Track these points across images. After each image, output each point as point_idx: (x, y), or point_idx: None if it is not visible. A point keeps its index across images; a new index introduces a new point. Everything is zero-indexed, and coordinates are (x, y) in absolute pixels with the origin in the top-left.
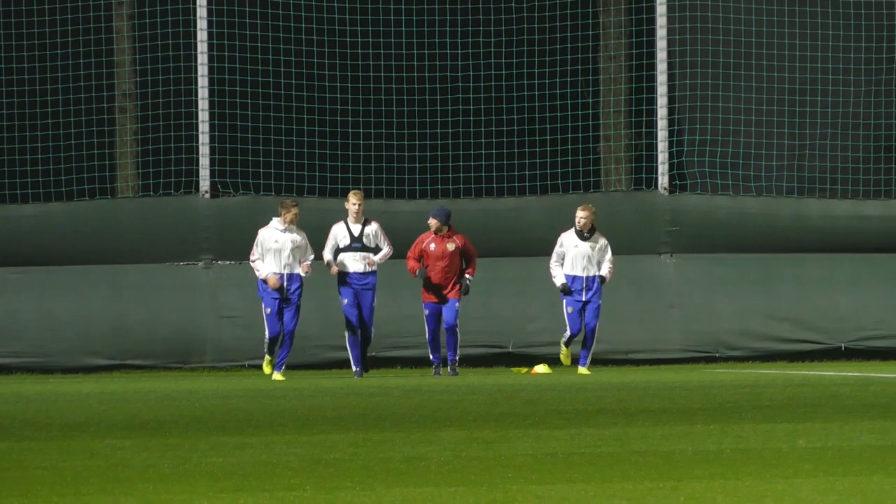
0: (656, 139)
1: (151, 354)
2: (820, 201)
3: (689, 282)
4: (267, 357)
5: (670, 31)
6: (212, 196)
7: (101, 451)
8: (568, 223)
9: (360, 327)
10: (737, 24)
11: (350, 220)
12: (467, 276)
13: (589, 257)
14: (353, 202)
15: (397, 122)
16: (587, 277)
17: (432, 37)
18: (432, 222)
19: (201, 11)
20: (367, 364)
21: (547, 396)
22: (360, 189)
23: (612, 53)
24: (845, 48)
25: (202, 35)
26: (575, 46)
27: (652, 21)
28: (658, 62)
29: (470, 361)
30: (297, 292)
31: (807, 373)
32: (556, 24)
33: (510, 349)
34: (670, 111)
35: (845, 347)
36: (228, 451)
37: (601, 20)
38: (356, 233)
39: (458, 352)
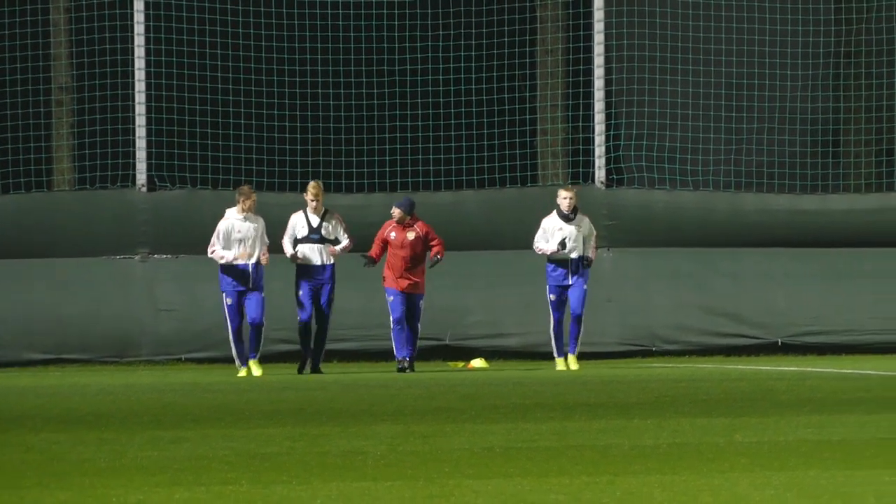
0: (593, 133)
1: (88, 348)
2: (757, 196)
3: (625, 276)
4: (239, 365)
5: (607, 26)
6: (148, 189)
7: (37, 446)
8: (504, 217)
9: (318, 319)
10: (674, 19)
11: (309, 210)
12: (438, 255)
13: (574, 239)
14: (311, 193)
15: (334, 115)
16: (572, 260)
17: (369, 30)
18: (395, 212)
19: (138, 4)
20: (318, 357)
21: (484, 391)
22: (318, 180)
23: (550, 47)
24: (782, 43)
25: (139, 28)
26: (512, 40)
27: (589, 15)
28: (595, 56)
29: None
30: (260, 288)
31: (743, 367)
32: (494, 18)
33: (447, 342)
34: (607, 105)
35: (782, 342)
36: (164, 445)
37: (538, 14)
38: (315, 224)
39: (416, 349)
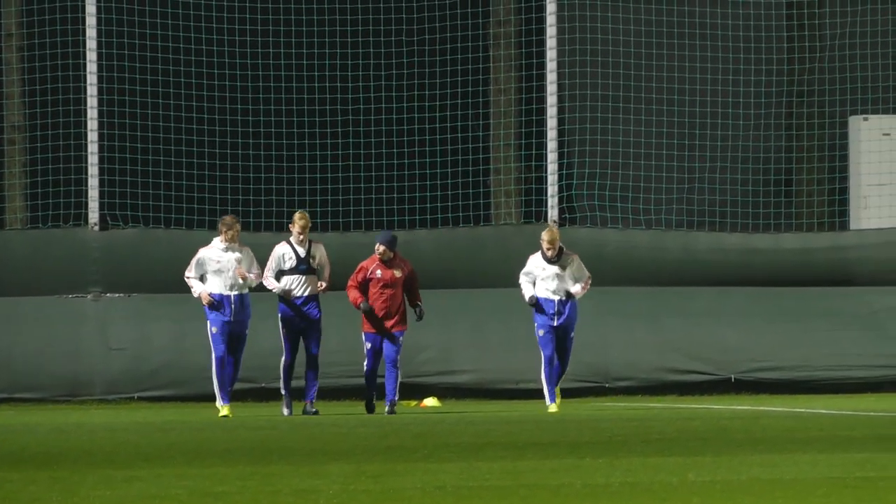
0: (546, 172)
1: (40, 387)
2: (709, 235)
3: (579, 313)
4: (221, 403)
5: (560, 65)
6: (101, 228)
7: None
8: (457, 256)
9: (307, 357)
10: (627, 58)
11: (294, 241)
12: (420, 306)
13: (560, 277)
14: (299, 224)
15: (287, 154)
16: (559, 301)
17: (322, 70)
18: (379, 248)
19: (91, 44)
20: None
21: (436, 430)
22: (305, 210)
23: (503, 87)
24: (735, 82)
25: (92, 67)
26: (465, 79)
27: (542, 54)
28: (548, 95)
29: (361, 392)
30: (245, 321)
31: (696, 406)
32: (447, 58)
33: (399, 380)
34: (560, 144)
35: (735, 379)
36: (117, 485)
37: (491, 53)
38: (302, 254)
39: (398, 390)
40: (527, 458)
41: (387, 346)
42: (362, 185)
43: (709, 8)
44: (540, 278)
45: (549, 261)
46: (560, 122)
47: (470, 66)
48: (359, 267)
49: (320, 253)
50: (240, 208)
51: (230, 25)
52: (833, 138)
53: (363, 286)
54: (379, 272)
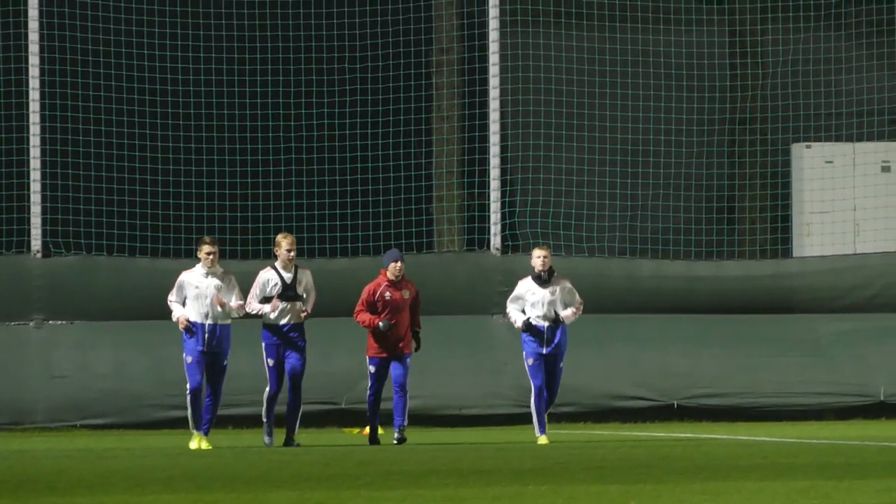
0: (489, 200)
1: None
2: (652, 262)
3: (520, 341)
4: (194, 432)
5: (503, 93)
6: (43, 255)
7: None
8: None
9: (292, 387)
10: (570, 86)
11: (280, 265)
12: (418, 329)
13: (550, 303)
14: (284, 247)
15: (230, 181)
16: (548, 328)
17: (265, 97)
18: (396, 266)
19: (33, 70)
20: (294, 427)
21: (379, 457)
22: (290, 233)
23: (445, 114)
24: (677, 109)
25: (34, 94)
26: (408, 107)
27: (485, 82)
28: (490, 123)
29: (302, 419)
30: (221, 352)
31: (639, 434)
32: (390, 85)
33: (343, 406)
34: (503, 172)
35: (678, 405)
36: None
37: (434, 81)
38: (288, 280)
39: (407, 415)
40: (469, 486)
41: (395, 369)
42: (304, 213)
43: (652, 36)
44: (529, 304)
45: (542, 282)
46: (503, 149)
47: (413, 94)
48: (364, 290)
49: (307, 279)
50: (182, 235)
51: (173, 53)
52: (776, 166)
53: (370, 309)
54: (388, 294)
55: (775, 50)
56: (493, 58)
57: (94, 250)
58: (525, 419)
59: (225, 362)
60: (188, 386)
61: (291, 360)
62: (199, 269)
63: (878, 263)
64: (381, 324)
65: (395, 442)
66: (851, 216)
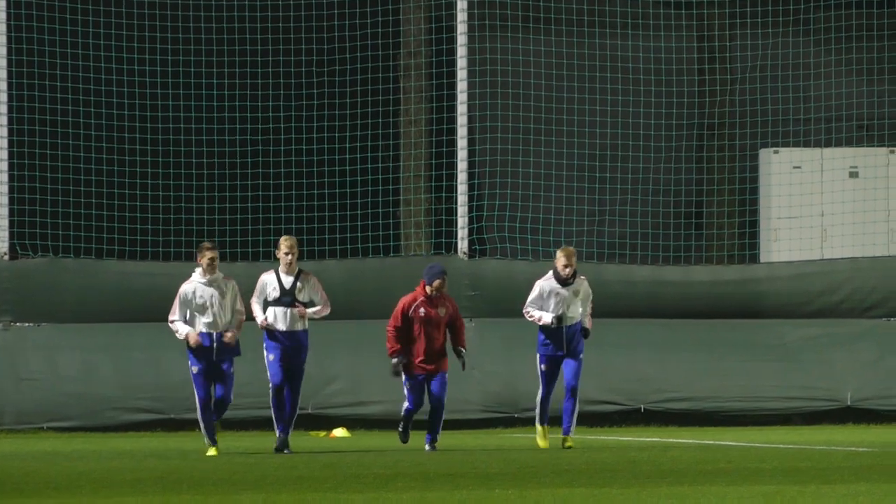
0: (456, 204)
1: None
2: (619, 267)
3: (488, 345)
4: (208, 443)
5: (471, 97)
6: (10, 258)
7: None
8: (365, 287)
9: (291, 390)
10: (538, 90)
11: (281, 270)
12: (462, 349)
13: (569, 305)
14: (283, 250)
15: (196, 184)
16: (566, 328)
17: (232, 100)
18: (436, 282)
19: (1, 73)
20: (287, 432)
21: (345, 460)
22: (291, 235)
23: (413, 118)
24: (645, 114)
25: (2, 97)
26: (376, 111)
27: (452, 86)
28: (458, 127)
29: (268, 423)
30: (228, 362)
31: (606, 438)
32: (357, 89)
33: (309, 410)
34: (470, 176)
35: (645, 409)
36: None
37: (402, 84)
38: (287, 285)
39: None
40: (436, 489)
41: (435, 385)
42: (272, 216)
43: (620, 41)
44: (550, 304)
45: (564, 283)
46: (470, 153)
47: (380, 97)
48: (400, 303)
49: (309, 285)
50: (149, 238)
51: (140, 56)
52: (744, 171)
53: (404, 322)
54: (423, 310)
55: (743, 55)
56: (461, 62)
57: (61, 252)
58: (492, 423)
59: (231, 369)
60: (197, 397)
61: (290, 363)
62: (197, 277)
63: (846, 269)
64: (396, 360)
65: (427, 450)
66: (819, 221)
